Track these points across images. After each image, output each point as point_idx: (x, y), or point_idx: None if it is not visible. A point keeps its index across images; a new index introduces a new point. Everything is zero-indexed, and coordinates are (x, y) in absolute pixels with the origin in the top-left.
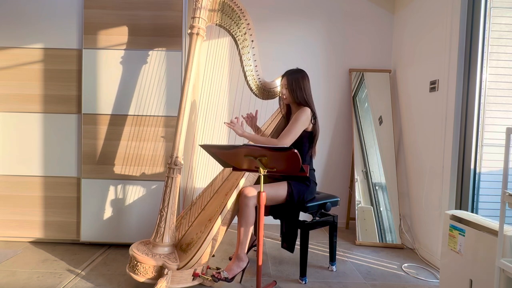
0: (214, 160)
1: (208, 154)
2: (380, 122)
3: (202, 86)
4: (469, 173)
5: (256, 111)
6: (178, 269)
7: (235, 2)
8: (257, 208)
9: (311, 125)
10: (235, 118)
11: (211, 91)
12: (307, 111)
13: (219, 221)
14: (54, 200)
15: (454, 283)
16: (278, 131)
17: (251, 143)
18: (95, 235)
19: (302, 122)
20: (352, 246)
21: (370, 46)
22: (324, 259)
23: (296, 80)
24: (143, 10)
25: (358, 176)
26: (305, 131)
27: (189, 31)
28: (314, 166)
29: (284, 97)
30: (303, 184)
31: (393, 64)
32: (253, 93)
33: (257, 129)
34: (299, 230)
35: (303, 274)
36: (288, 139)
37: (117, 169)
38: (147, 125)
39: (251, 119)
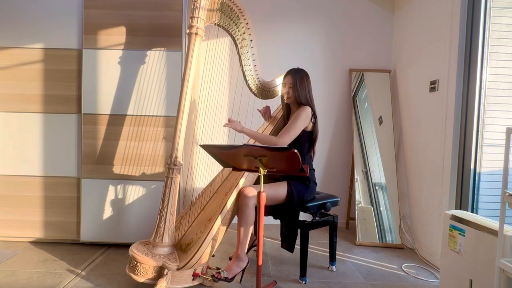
0: (214, 160)
1: (208, 154)
2: (380, 122)
3: (201, 86)
4: (469, 173)
5: (268, 106)
6: (178, 269)
7: (234, 2)
8: (257, 208)
9: (311, 124)
10: (230, 118)
11: (211, 91)
12: (308, 109)
13: (218, 221)
14: (54, 200)
15: (454, 283)
16: (277, 131)
17: (251, 143)
18: (95, 235)
19: (302, 120)
20: (352, 246)
21: (370, 46)
22: (324, 259)
23: (300, 79)
24: (143, 10)
25: (358, 176)
26: (304, 131)
27: (188, 31)
28: (314, 166)
29: (288, 96)
30: (303, 184)
31: (393, 64)
32: (252, 92)
33: (270, 118)
34: (299, 230)
35: (303, 274)
36: (287, 137)
37: (117, 169)
38: (147, 125)
39: (268, 112)
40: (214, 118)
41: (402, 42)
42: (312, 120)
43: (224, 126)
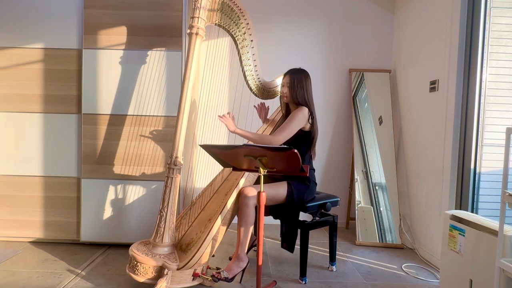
0: (214, 160)
1: (208, 154)
2: (380, 122)
3: (201, 86)
4: (469, 173)
5: (268, 106)
6: (178, 269)
7: (234, 2)
8: (257, 208)
9: (308, 124)
10: (228, 113)
11: (211, 91)
12: (304, 110)
13: (219, 221)
14: (54, 200)
15: (454, 283)
16: None
17: (251, 143)
18: (95, 235)
19: (298, 120)
20: (352, 246)
21: (370, 46)
22: (324, 259)
23: (299, 79)
24: (143, 10)
25: (358, 176)
26: (302, 131)
27: (188, 31)
28: (314, 166)
29: (285, 95)
30: (303, 184)
31: (393, 64)
32: (253, 92)
33: (267, 120)
34: (299, 230)
35: (303, 274)
36: (281, 136)
37: (117, 169)
38: (147, 125)
39: (263, 109)
40: (214, 118)
41: (402, 42)
42: (309, 121)
43: (218, 116)
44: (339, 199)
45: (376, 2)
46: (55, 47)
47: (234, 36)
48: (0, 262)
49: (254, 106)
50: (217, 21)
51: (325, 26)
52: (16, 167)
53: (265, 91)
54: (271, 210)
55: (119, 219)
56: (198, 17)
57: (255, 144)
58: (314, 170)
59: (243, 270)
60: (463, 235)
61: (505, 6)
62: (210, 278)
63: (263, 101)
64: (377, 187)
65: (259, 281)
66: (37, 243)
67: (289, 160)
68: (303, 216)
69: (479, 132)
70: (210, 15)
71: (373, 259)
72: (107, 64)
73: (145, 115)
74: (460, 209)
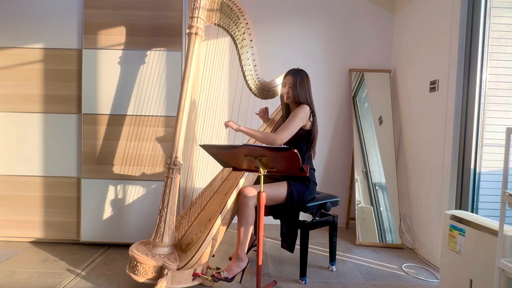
0: (214, 160)
1: (208, 154)
2: (380, 122)
3: (201, 86)
4: (469, 173)
5: (267, 107)
6: (178, 269)
7: (234, 2)
8: (257, 208)
9: (309, 122)
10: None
11: (211, 91)
12: (306, 108)
13: (219, 221)
14: (54, 200)
15: (454, 283)
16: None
17: (251, 143)
18: (95, 235)
19: (300, 117)
20: (352, 246)
21: (370, 46)
22: (324, 259)
23: (301, 79)
24: (143, 10)
25: (358, 176)
26: (303, 129)
27: (187, 31)
28: (314, 166)
29: (287, 95)
30: (303, 184)
31: (393, 64)
32: (252, 92)
33: (268, 120)
34: (299, 230)
35: (303, 274)
36: (285, 134)
37: (117, 169)
38: (147, 125)
39: (265, 113)
40: (214, 118)
41: (402, 42)
42: (310, 119)
43: (225, 124)
44: (339, 199)
45: (376, 2)
46: (55, 47)
47: (234, 36)
48: (0, 262)
49: (256, 113)
50: (216, 21)
51: (326, 26)
52: (16, 167)
53: (264, 91)
54: (271, 210)
55: (119, 219)
56: (197, 17)
57: (255, 144)
58: (314, 170)
59: (243, 270)
60: (463, 235)
61: (505, 6)
62: (210, 278)
63: (263, 100)
64: (377, 187)
65: (259, 281)
66: (37, 243)
67: (289, 160)
68: (303, 216)
69: (479, 132)
70: (210, 15)
71: (373, 259)
72: (107, 64)
73: (145, 115)
74: (460, 209)
